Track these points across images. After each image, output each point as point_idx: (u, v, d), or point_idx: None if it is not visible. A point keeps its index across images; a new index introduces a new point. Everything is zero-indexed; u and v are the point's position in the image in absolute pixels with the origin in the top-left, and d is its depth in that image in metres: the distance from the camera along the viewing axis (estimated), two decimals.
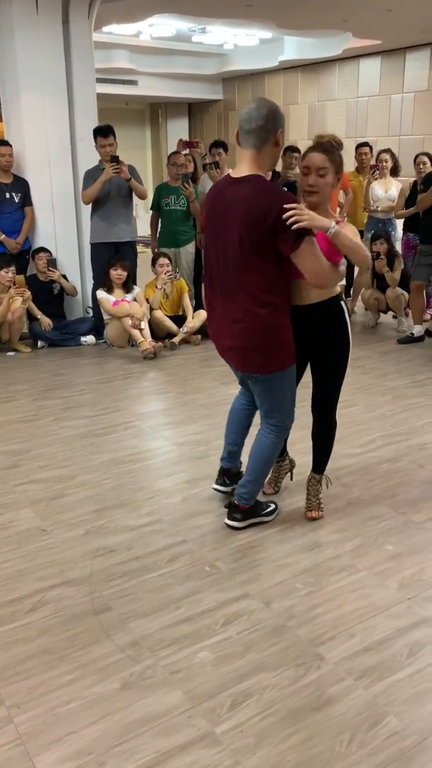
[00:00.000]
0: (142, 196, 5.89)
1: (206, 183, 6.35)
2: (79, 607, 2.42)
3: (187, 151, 6.49)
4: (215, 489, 3.16)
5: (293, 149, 6.68)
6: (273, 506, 3.00)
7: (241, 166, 2.51)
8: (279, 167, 6.56)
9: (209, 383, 4.80)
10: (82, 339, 6.07)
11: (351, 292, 6.93)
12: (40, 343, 5.98)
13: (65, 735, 1.88)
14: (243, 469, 3.02)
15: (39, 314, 5.84)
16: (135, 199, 5.94)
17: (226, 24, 9.40)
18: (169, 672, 2.10)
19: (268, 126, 2.45)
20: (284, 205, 2.36)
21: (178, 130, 14.31)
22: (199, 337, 6.00)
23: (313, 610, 2.39)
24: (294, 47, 10.80)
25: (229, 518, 2.91)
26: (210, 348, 5.77)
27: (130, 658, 2.16)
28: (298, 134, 11.67)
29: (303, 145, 7.32)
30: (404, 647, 2.20)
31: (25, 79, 5.81)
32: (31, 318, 5.92)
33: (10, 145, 5.91)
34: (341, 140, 2.72)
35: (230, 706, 1.97)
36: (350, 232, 2.55)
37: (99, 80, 6.36)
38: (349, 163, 8.77)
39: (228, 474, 3.14)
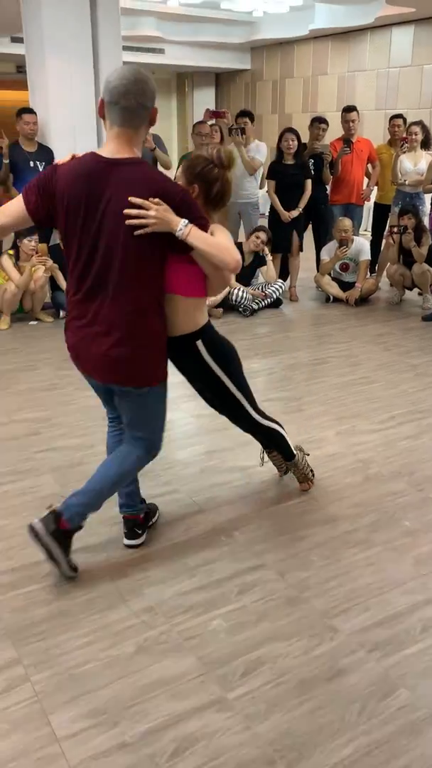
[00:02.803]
0: (167, 166, 5.84)
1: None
2: (95, 572, 2.45)
3: (213, 121, 6.40)
4: (128, 546, 2.59)
5: (321, 120, 6.56)
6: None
7: (113, 145, 2.12)
8: (305, 138, 6.45)
9: None
10: None
11: (376, 267, 6.84)
12: (62, 313, 5.99)
13: (80, 695, 1.92)
14: (148, 505, 2.72)
15: (64, 284, 5.84)
16: (159, 169, 5.90)
17: None
18: (183, 638, 2.13)
19: (147, 104, 2.12)
20: (129, 198, 2.04)
21: (204, 100, 14.12)
22: (221, 310, 5.97)
23: (328, 582, 2.40)
24: (325, 15, 10.54)
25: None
26: (231, 321, 5.76)
27: (145, 624, 2.19)
28: (327, 106, 11.44)
29: (331, 117, 7.20)
30: (418, 622, 2.20)
31: (50, 46, 5.76)
32: (54, 287, 5.94)
33: (35, 113, 5.87)
34: (233, 157, 2.40)
35: (242, 674, 1.99)
36: (218, 233, 2.23)
37: (125, 48, 6.30)
38: (379, 136, 8.61)
39: (137, 523, 2.61)
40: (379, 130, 9.44)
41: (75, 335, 2.29)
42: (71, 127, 5.98)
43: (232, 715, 1.85)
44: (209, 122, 6.29)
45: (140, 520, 2.63)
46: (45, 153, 5.93)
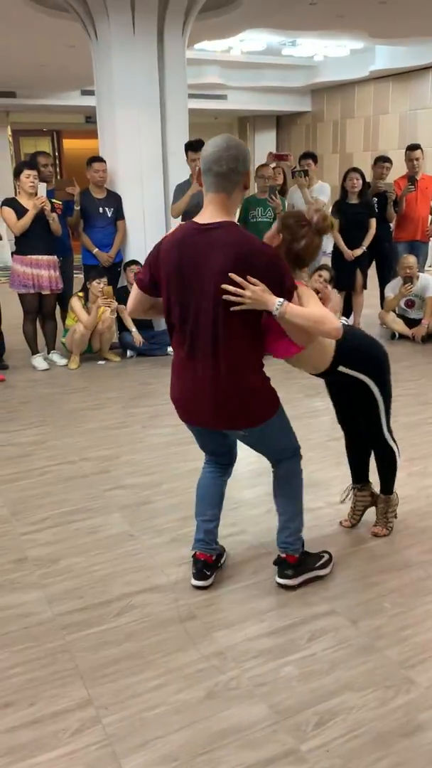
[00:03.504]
0: None
1: (295, 195, 6.35)
2: (165, 613, 2.45)
3: (275, 164, 6.51)
4: (196, 586, 2.57)
5: (384, 159, 6.59)
6: (327, 556, 2.66)
7: (209, 211, 2.23)
8: (369, 177, 6.48)
9: (294, 395, 4.77)
10: (169, 349, 6.17)
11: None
12: (129, 353, 6.13)
13: (151, 740, 1.90)
14: (221, 548, 2.72)
15: (133, 328, 5.99)
16: None
17: (318, 36, 9.40)
18: (253, 684, 2.09)
19: (240, 168, 2.20)
20: (230, 274, 2.13)
21: (265, 142, 14.40)
22: None
23: (403, 631, 2.32)
24: (385, 56, 10.66)
25: (279, 576, 2.56)
26: None
27: (215, 668, 2.17)
28: (389, 144, 11.48)
29: (393, 155, 7.21)
30: None
31: (120, 97, 6.01)
32: (121, 328, 6.09)
33: (104, 162, 6.11)
34: (333, 223, 2.48)
35: (316, 724, 1.93)
36: (306, 298, 2.26)
37: (189, 95, 6.50)
38: None
39: (207, 564, 2.60)
40: None
41: (179, 391, 2.43)
42: (139, 174, 6.19)
43: None
44: (272, 165, 6.40)
45: (210, 560, 2.62)
46: (114, 199, 6.15)
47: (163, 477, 3.59)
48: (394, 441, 2.82)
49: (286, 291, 2.21)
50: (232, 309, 2.17)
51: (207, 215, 2.24)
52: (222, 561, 2.73)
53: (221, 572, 2.69)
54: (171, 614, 2.44)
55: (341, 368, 2.57)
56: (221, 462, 2.68)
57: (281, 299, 2.17)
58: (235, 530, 3.02)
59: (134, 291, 2.44)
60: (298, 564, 2.56)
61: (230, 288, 2.14)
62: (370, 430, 2.78)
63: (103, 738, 1.91)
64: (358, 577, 2.64)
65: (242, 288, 2.14)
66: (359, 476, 3.00)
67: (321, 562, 2.64)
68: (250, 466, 3.70)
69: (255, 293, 2.14)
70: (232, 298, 2.15)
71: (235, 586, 2.60)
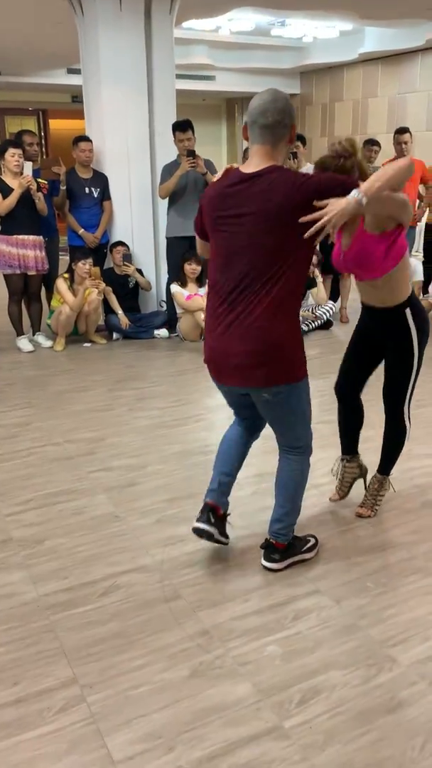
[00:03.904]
0: None
1: None
2: (150, 593, 2.45)
3: None
4: (197, 529, 2.58)
5: (373, 142, 6.57)
6: (313, 540, 2.68)
7: (254, 160, 2.26)
8: None
9: None
10: (156, 332, 6.15)
11: (429, 288, 6.74)
12: (115, 335, 6.10)
13: (135, 717, 1.91)
14: (229, 510, 2.69)
15: (119, 310, 5.96)
16: None
17: (307, 16, 9.30)
18: (238, 663, 2.11)
19: (286, 121, 2.23)
20: (301, 219, 2.12)
21: None
22: None
23: (386, 610, 2.34)
24: (375, 38, 10.58)
25: (265, 559, 2.57)
26: None
27: (200, 647, 2.18)
28: (378, 127, 11.43)
29: (382, 138, 7.18)
30: None
31: (106, 75, 5.92)
32: (107, 310, 6.05)
33: (91, 141, 6.04)
34: (354, 142, 2.51)
35: (299, 702, 1.95)
36: (375, 176, 2.20)
37: (177, 76, 6.41)
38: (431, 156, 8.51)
39: (215, 512, 2.61)
40: (431, 151, 9.36)
41: (214, 344, 2.37)
42: (125, 154, 6.12)
43: (288, 744, 1.81)
44: None
45: (218, 511, 2.61)
46: (100, 179, 6.08)
47: (148, 459, 3.58)
48: (409, 419, 2.84)
49: (351, 186, 2.17)
50: (320, 236, 2.16)
51: (252, 165, 2.25)
52: (227, 519, 2.69)
53: (206, 554, 2.69)
54: (156, 594, 2.45)
55: (407, 311, 2.64)
56: (246, 426, 2.69)
57: (353, 191, 2.13)
58: None
59: (198, 240, 2.51)
60: (285, 550, 2.58)
61: (308, 217, 2.12)
62: (393, 399, 2.79)
63: (88, 716, 1.92)
64: (342, 557, 2.66)
65: (311, 222, 2.12)
66: (351, 447, 3.02)
67: (307, 546, 2.65)
68: None
69: (332, 206, 2.10)
70: (319, 225, 2.10)
71: (221, 566, 2.61)
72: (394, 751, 1.79)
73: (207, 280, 2.43)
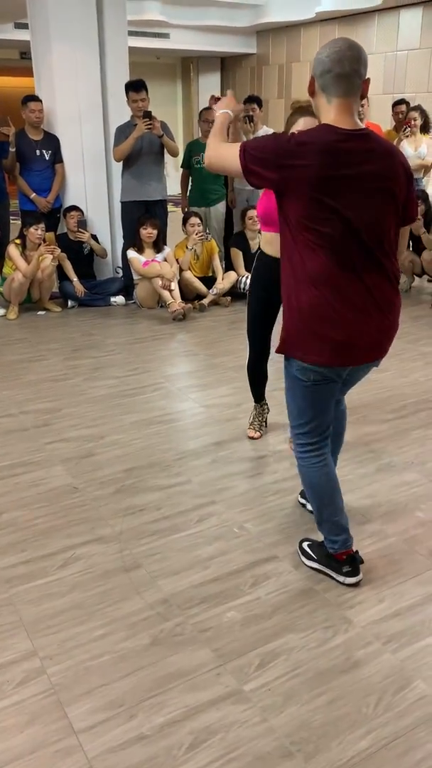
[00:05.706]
0: (174, 153, 5.80)
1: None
2: (109, 564, 2.45)
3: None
4: (358, 583, 2.34)
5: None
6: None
7: (346, 116, 1.97)
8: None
9: (238, 345, 4.76)
10: (112, 299, 6.06)
11: None
12: (70, 303, 5.98)
13: (96, 687, 1.92)
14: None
15: (74, 278, 5.83)
16: (165, 156, 5.84)
17: None
18: (198, 630, 2.13)
19: (362, 72, 1.97)
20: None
21: (210, 85, 13.98)
22: (229, 299, 5.95)
23: None
24: None
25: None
26: (239, 310, 5.73)
27: (160, 615, 2.19)
28: None
29: None
30: None
31: (56, 32, 5.68)
32: (61, 277, 5.92)
33: (41, 101, 5.81)
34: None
35: (258, 666, 1.99)
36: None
37: (130, 33, 6.20)
38: (388, 120, 8.49)
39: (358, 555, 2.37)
40: (387, 115, 9.30)
41: (349, 324, 2.06)
42: (77, 115, 5.92)
43: (248, 707, 1.85)
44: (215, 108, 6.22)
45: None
46: (51, 141, 5.88)
47: (105, 429, 3.55)
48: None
49: None
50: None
51: (347, 120, 1.97)
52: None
53: (166, 522, 2.70)
54: (116, 564, 2.45)
55: None
56: (331, 440, 2.41)
57: None
58: (180, 480, 3.03)
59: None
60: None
61: None
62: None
63: (48, 688, 1.92)
64: (300, 523, 2.70)
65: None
66: (262, 392, 3.49)
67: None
68: (194, 417, 3.71)
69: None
70: None
71: (180, 534, 2.63)
72: (350, 710, 1.85)
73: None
